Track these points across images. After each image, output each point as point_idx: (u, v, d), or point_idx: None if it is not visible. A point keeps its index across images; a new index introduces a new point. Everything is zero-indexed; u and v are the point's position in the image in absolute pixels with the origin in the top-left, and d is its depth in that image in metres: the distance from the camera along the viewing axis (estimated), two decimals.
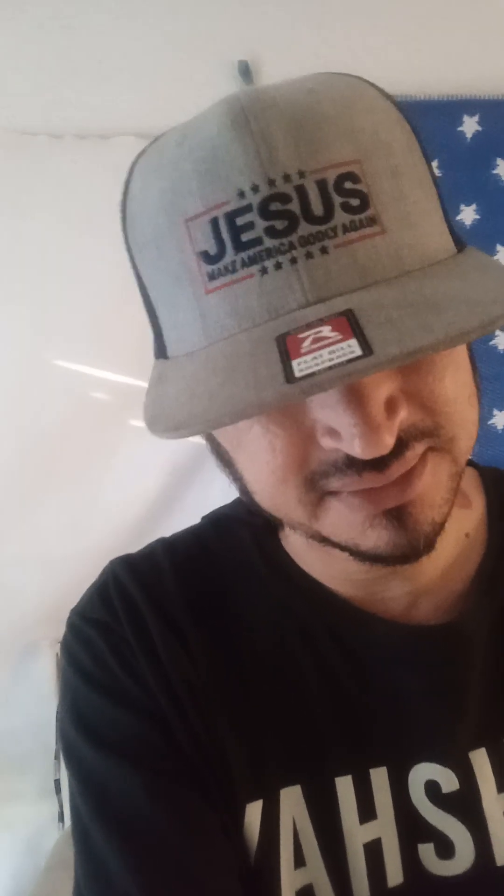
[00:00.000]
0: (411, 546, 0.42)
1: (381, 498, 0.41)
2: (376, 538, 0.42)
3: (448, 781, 0.50)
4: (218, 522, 0.61)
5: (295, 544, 0.55)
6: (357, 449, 0.37)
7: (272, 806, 0.50)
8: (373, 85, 0.43)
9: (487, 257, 0.42)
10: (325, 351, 0.34)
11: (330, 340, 0.34)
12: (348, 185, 0.38)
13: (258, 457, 0.42)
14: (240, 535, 0.58)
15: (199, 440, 1.62)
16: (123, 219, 0.45)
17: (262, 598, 0.55)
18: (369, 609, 0.53)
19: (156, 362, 0.45)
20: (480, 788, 0.50)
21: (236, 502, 0.61)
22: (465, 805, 0.50)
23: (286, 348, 0.35)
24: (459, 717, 0.51)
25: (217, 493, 1.61)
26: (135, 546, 0.61)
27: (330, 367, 0.33)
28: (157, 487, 1.68)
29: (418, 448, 0.41)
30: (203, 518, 0.63)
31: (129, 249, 0.45)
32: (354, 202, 0.38)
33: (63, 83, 1.61)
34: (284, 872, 0.49)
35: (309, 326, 0.35)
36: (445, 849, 0.50)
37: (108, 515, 1.63)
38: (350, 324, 0.35)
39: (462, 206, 1.73)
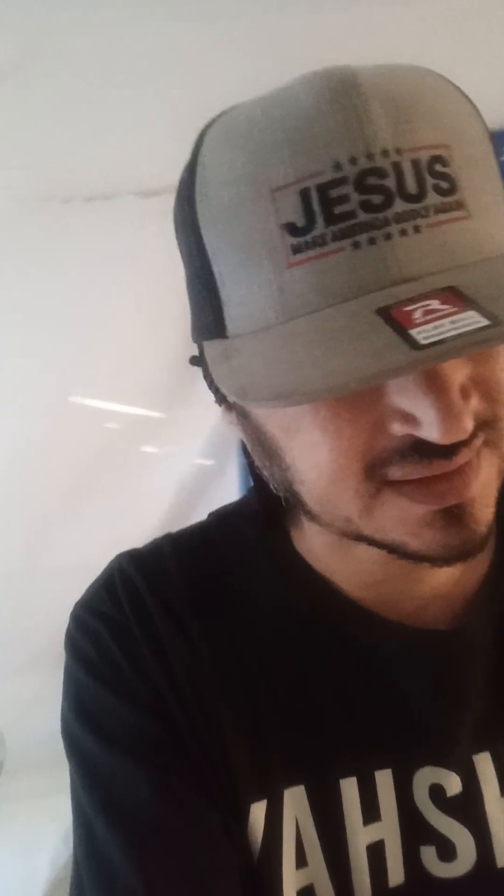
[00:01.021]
0: (464, 547, 0.39)
1: (443, 493, 0.38)
2: (430, 538, 0.39)
3: (451, 785, 0.48)
4: (224, 519, 0.57)
5: (309, 541, 0.51)
6: (437, 434, 0.34)
7: (276, 806, 0.47)
8: (446, 78, 0.41)
9: None
10: (447, 321, 0.31)
11: (445, 312, 0.32)
12: (438, 167, 0.36)
13: (321, 442, 0.38)
14: (246, 533, 0.54)
15: (202, 461, 1.70)
16: (191, 189, 0.41)
17: (267, 597, 0.51)
18: (377, 611, 0.49)
19: (209, 343, 0.42)
20: (483, 791, 0.48)
21: (243, 500, 0.58)
22: (468, 808, 0.48)
23: (395, 319, 0.32)
24: (463, 721, 0.49)
25: None
26: None
27: (460, 335, 0.30)
28: (166, 507, 1.71)
29: (480, 438, 0.38)
30: (210, 515, 0.59)
31: (191, 221, 0.41)
32: (444, 185, 0.36)
33: (71, 152, 1.65)
34: (286, 873, 0.46)
35: (412, 301, 0.33)
36: (447, 851, 0.47)
37: (124, 534, 1.63)
38: (460, 298, 0.33)
39: None
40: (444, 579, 0.50)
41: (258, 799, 0.47)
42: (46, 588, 1.69)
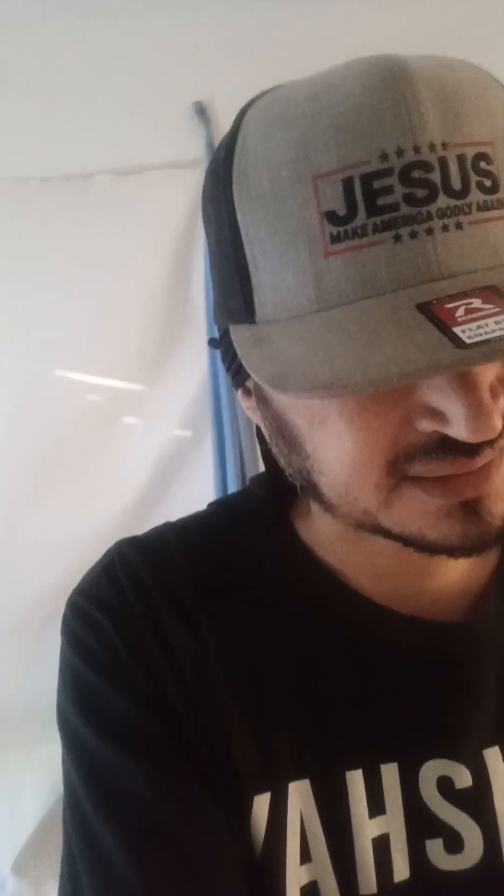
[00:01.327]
0: (481, 538, 0.38)
1: (462, 487, 0.37)
2: (448, 529, 0.38)
3: (461, 778, 0.47)
4: (226, 510, 0.55)
5: (318, 533, 0.50)
6: (465, 432, 0.34)
7: (280, 799, 0.45)
8: (490, 73, 0.39)
9: None
10: (491, 321, 0.31)
11: (489, 311, 0.31)
12: (483, 165, 0.35)
13: (347, 434, 0.37)
14: (251, 523, 0.52)
15: (180, 432, 1.75)
16: (228, 169, 0.39)
17: (275, 588, 0.49)
18: (387, 604, 0.48)
19: (236, 327, 0.40)
20: (493, 787, 0.47)
21: (246, 491, 0.56)
22: (477, 801, 0.46)
23: (437, 316, 0.32)
24: (474, 715, 0.48)
25: (199, 482, 1.75)
26: (131, 529, 0.55)
27: None
28: (145, 478, 1.75)
29: (503, 440, 0.37)
30: (210, 504, 0.57)
31: (227, 203, 0.39)
32: (487, 183, 0.35)
33: (49, 134, 1.68)
34: (290, 868, 0.44)
35: (452, 298, 0.32)
36: (454, 843, 0.46)
37: (106, 502, 1.70)
38: (501, 297, 0.32)
39: None
40: (454, 575, 0.49)
41: (261, 791, 0.45)
42: (29, 558, 1.74)
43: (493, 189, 0.35)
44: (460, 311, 0.32)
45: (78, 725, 0.46)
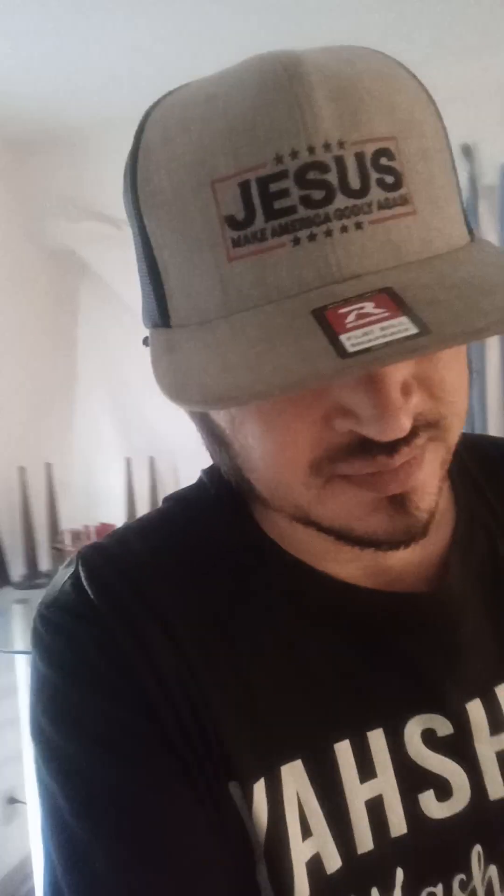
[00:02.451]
0: (408, 532, 0.39)
1: (387, 483, 0.37)
2: (376, 523, 0.38)
3: (443, 726, 0.47)
4: (184, 505, 0.52)
5: (276, 522, 0.48)
6: (374, 431, 0.33)
7: (274, 784, 0.44)
8: (401, 64, 0.38)
9: (497, 247, 0.38)
10: (377, 327, 0.30)
11: (377, 317, 0.30)
12: (384, 161, 0.33)
13: (266, 437, 0.37)
14: (210, 518, 0.50)
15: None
16: (133, 173, 0.38)
17: (243, 579, 0.48)
18: (354, 582, 0.47)
19: (154, 330, 0.39)
20: (473, 733, 0.47)
21: (198, 485, 0.53)
22: (459, 746, 0.47)
23: (329, 322, 0.31)
24: (451, 673, 0.47)
25: None
26: None
27: (387, 344, 0.29)
28: None
29: (423, 437, 0.37)
30: (165, 500, 0.54)
31: (135, 206, 0.38)
32: (389, 179, 0.33)
33: None
34: (294, 846, 0.43)
35: (347, 302, 0.32)
36: (444, 791, 0.46)
37: None
38: (395, 301, 0.31)
39: None
40: (412, 549, 0.46)
41: (257, 779, 0.44)
42: None
43: (396, 185, 0.34)
44: (351, 317, 0.31)
45: (55, 737, 0.44)
